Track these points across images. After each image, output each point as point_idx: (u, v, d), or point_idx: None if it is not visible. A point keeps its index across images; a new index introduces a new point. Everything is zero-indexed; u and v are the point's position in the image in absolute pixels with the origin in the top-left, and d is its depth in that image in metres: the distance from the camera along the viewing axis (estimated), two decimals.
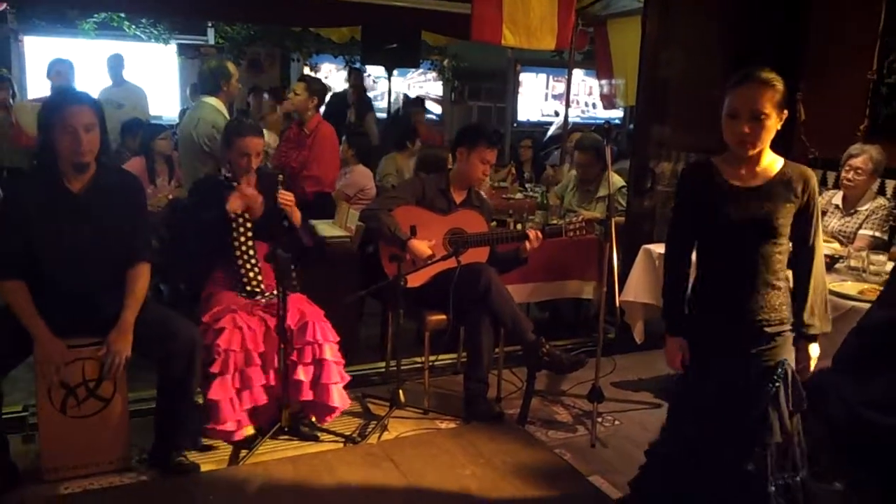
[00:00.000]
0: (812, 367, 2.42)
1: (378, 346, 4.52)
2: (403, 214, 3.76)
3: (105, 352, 2.86)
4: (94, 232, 2.87)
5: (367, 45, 7.49)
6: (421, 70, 10.93)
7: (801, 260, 2.41)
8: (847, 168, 4.02)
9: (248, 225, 3.44)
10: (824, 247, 3.85)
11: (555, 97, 12.24)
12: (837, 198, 4.14)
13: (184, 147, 4.48)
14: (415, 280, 3.60)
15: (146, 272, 3.02)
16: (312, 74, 8.32)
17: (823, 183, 4.80)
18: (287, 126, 5.93)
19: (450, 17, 6.24)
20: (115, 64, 6.99)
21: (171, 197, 4.64)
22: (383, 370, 4.22)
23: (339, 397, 3.36)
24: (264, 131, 4.49)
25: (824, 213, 4.18)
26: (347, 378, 3.46)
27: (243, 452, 3.25)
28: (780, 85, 2.25)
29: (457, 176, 3.93)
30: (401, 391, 3.69)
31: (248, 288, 3.44)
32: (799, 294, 2.41)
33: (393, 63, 7.63)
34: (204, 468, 3.12)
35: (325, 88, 5.14)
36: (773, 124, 2.26)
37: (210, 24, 9.31)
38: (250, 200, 3.39)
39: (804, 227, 2.37)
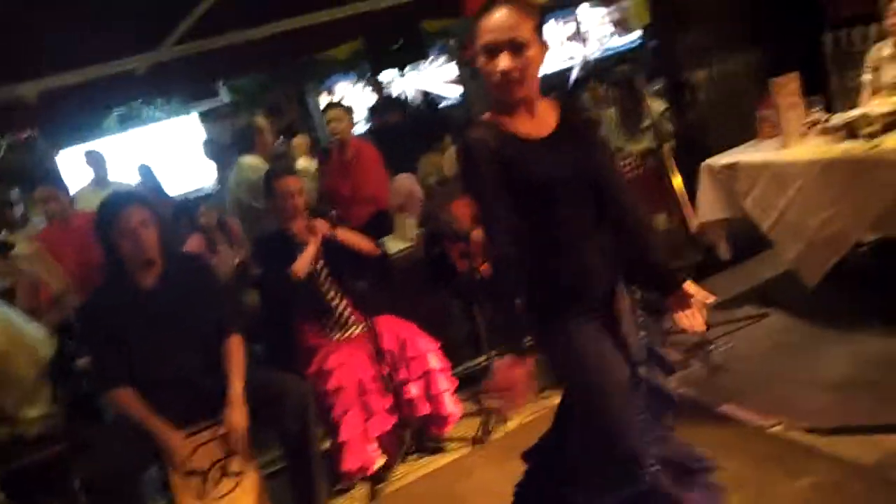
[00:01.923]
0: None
1: (472, 342, 4.53)
2: (463, 207, 3.74)
3: (225, 430, 2.95)
4: (176, 322, 2.96)
5: (373, 54, 7.48)
6: (431, 58, 10.87)
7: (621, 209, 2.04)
8: (893, 11, 3.80)
9: (325, 272, 3.49)
10: (887, 103, 3.70)
11: (569, 39, 11.99)
12: (886, 48, 3.92)
13: (238, 213, 4.56)
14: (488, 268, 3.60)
15: (240, 343, 3.09)
16: (334, 100, 8.36)
17: (865, 40, 4.57)
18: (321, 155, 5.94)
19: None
20: (96, 162, 6.25)
21: (237, 261, 4.74)
22: (486, 363, 4.23)
23: (451, 404, 3.40)
24: (303, 158, 4.57)
25: (876, 69, 3.98)
26: (455, 382, 3.49)
27: (379, 486, 3.31)
28: (535, 7, 1.92)
29: None
30: None
31: (340, 326, 3.50)
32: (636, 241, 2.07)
33: (403, 62, 7.60)
34: None
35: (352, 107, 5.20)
36: (537, 56, 1.90)
37: (220, 84, 9.48)
38: (315, 258, 3.44)
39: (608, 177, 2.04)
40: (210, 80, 8.45)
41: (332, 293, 3.51)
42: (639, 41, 11.12)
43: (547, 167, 1.93)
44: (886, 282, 3.68)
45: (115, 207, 2.94)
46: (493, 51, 1.86)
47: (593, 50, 11.31)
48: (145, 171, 6.77)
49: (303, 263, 3.38)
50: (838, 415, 2.82)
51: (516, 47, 1.85)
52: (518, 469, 3.10)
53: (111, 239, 2.91)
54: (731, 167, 3.86)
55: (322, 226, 3.46)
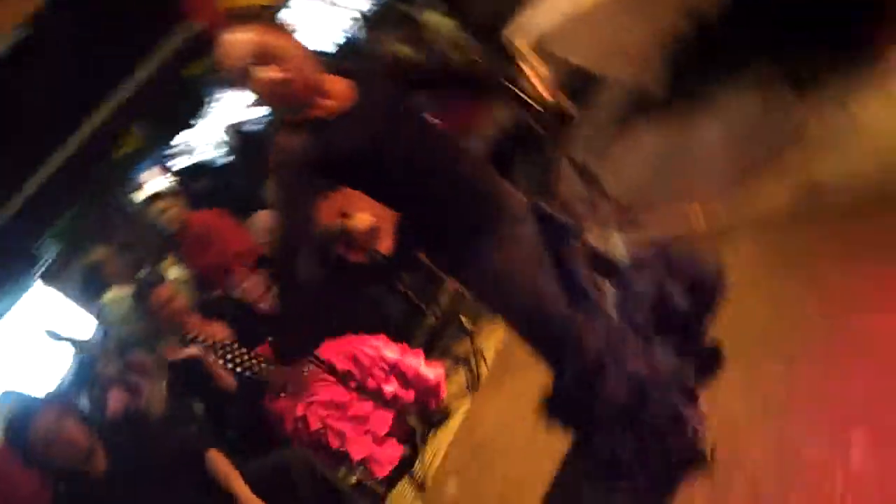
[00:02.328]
0: None
1: (412, 310, 4.53)
2: (325, 209, 3.67)
3: None
4: (150, 485, 2.80)
5: (157, 130, 7.21)
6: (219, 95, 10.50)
7: None
8: None
9: (242, 352, 3.38)
10: None
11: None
12: None
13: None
14: (385, 244, 3.58)
15: (216, 454, 2.97)
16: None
17: None
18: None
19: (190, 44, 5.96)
20: None
21: (165, 387, 4.56)
22: (435, 323, 4.25)
23: (432, 372, 3.42)
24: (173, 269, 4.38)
25: None
26: (420, 352, 3.51)
27: (418, 475, 3.33)
28: (259, 9, 2.02)
29: None
30: (463, 318, 3.75)
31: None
32: None
33: (187, 119, 7.38)
34: None
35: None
36: (292, 48, 1.88)
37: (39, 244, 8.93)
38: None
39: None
40: (23, 249, 7.93)
41: (264, 365, 3.40)
42: None
43: (370, 126, 1.90)
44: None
45: (23, 428, 2.72)
46: (251, 71, 1.82)
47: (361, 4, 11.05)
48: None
49: (223, 379, 3.29)
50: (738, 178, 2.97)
51: (270, 55, 1.82)
52: (519, 386, 3.18)
53: (43, 458, 2.72)
54: (541, 40, 3.92)
55: (217, 329, 3.38)
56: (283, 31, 1.89)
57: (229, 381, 3.29)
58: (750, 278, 2.50)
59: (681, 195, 3.17)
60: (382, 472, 3.18)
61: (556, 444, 2.47)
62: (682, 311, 1.99)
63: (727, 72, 3.53)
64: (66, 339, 5.07)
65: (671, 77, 3.71)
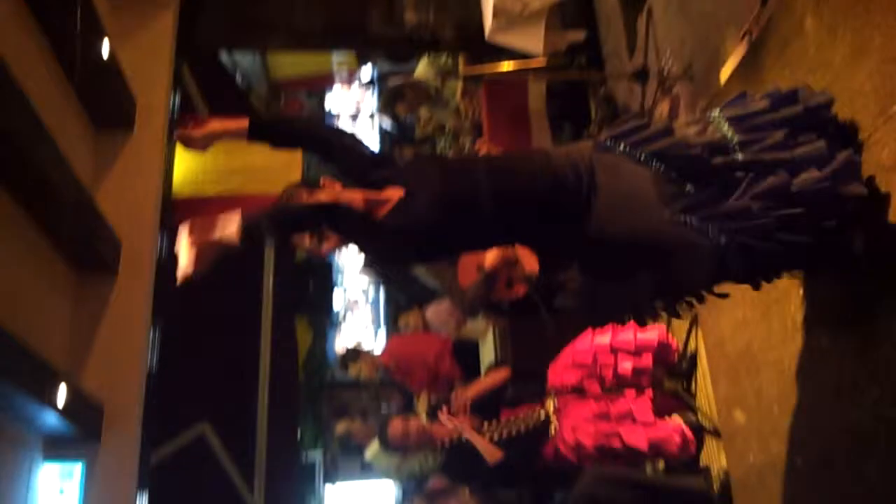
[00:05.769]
0: None
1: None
2: (466, 271, 3.78)
3: None
4: None
5: (312, 308, 7.64)
6: None
7: None
8: None
9: (493, 429, 3.49)
10: None
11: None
12: None
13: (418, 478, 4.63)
14: (529, 265, 3.60)
15: None
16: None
17: None
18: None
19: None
20: None
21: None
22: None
23: (649, 333, 3.30)
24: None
25: None
26: (631, 323, 3.44)
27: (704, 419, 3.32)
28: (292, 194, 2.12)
29: None
30: None
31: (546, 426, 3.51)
32: None
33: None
34: None
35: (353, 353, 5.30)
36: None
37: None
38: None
39: None
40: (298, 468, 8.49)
41: (515, 417, 3.51)
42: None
43: (428, 183, 1.98)
44: None
45: None
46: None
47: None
48: None
49: (488, 451, 3.37)
50: None
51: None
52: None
53: None
54: None
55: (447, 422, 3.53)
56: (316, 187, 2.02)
57: (496, 453, 3.36)
58: None
59: None
60: (674, 447, 3.14)
61: (790, 310, 2.50)
62: None
63: None
64: None
65: None
